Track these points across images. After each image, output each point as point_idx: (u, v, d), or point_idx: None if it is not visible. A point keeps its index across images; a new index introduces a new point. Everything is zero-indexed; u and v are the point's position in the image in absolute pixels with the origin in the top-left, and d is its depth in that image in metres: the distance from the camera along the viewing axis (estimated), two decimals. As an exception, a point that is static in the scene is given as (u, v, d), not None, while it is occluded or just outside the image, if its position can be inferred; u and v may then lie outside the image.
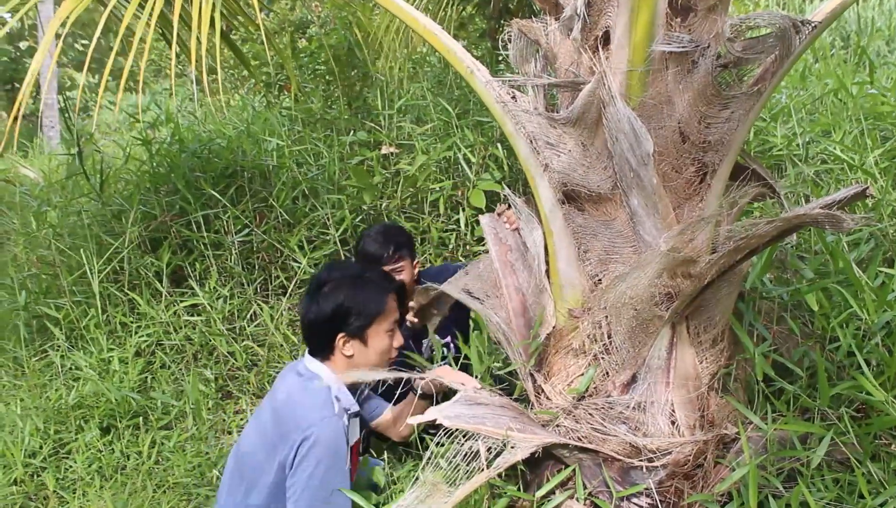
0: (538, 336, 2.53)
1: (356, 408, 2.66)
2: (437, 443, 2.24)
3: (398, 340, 2.74)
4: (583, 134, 2.52)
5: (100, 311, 4.45)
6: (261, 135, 5.25)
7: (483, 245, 4.54)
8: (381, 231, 3.58)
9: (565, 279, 2.54)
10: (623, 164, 2.44)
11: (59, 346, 4.42)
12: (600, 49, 2.51)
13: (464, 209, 4.55)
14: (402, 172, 4.67)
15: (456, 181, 4.63)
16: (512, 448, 2.25)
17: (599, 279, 2.52)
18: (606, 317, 2.41)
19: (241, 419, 4.08)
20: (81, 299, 4.65)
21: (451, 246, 4.58)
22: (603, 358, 2.45)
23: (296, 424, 2.45)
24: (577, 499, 2.33)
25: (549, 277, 2.59)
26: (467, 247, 4.58)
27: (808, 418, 2.64)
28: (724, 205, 2.49)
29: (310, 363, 2.66)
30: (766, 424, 2.41)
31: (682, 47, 2.41)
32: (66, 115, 5.42)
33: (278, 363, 4.37)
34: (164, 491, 3.44)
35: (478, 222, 4.53)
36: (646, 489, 2.32)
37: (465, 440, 2.24)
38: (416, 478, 2.24)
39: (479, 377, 2.82)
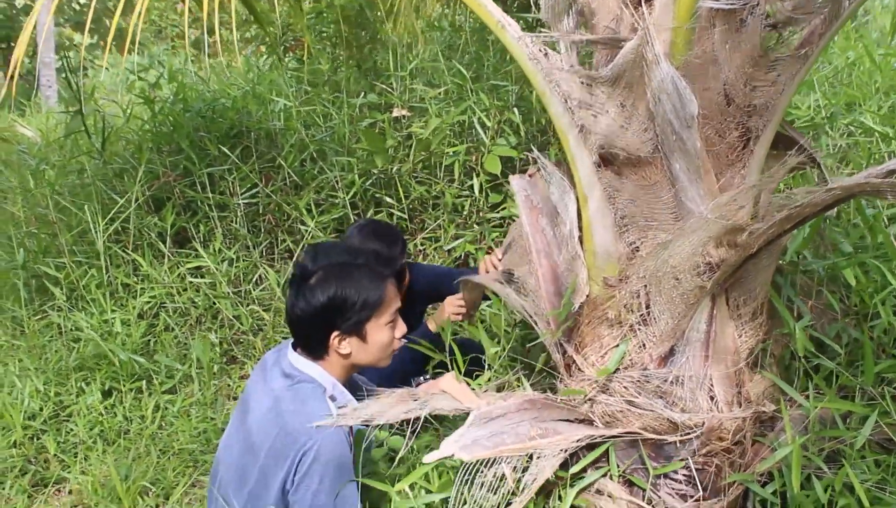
0: (571, 305, 2.41)
1: (355, 403, 2.34)
2: (459, 482, 2.07)
3: (400, 329, 2.40)
4: (622, 94, 2.40)
5: (104, 271, 4.32)
6: (267, 95, 5.10)
7: (497, 212, 4.42)
8: (385, 231, 3.20)
9: (600, 246, 2.42)
10: (665, 126, 2.32)
11: (59, 306, 4.29)
12: (643, 5, 2.38)
13: (478, 175, 4.42)
14: (414, 135, 4.53)
15: (470, 146, 4.50)
16: (538, 458, 2.14)
17: (637, 247, 2.40)
18: (645, 286, 2.29)
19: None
20: (82, 258, 4.52)
21: (465, 212, 4.45)
22: (639, 329, 2.34)
23: (292, 439, 2.16)
24: (612, 477, 2.23)
25: (582, 243, 2.47)
26: (480, 214, 4.46)
27: (844, 396, 2.55)
28: (770, 172, 2.37)
29: (297, 360, 2.32)
30: (808, 402, 2.31)
31: (731, 4, 2.28)
32: (65, 74, 5.25)
33: (284, 328, 4.25)
34: (169, 457, 3.33)
35: (492, 189, 4.42)
36: (684, 466, 2.22)
37: (488, 468, 2.10)
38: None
39: (486, 363, 2.70)
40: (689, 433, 2.22)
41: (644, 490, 2.23)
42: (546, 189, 2.86)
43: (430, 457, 2.05)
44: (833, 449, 2.36)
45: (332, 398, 2.28)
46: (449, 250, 4.35)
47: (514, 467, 2.11)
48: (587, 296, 2.42)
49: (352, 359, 2.31)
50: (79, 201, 4.77)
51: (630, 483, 2.26)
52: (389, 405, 2.19)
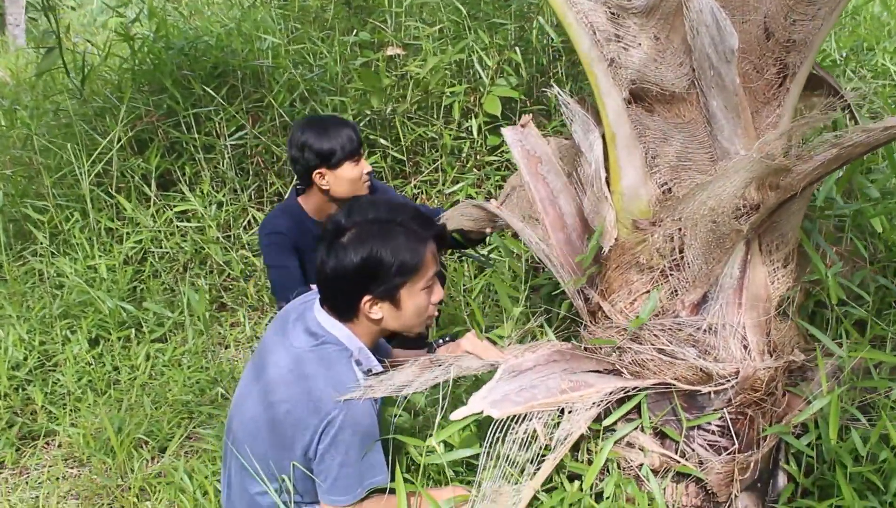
0: (598, 248, 2.29)
1: (379, 368, 2.18)
2: (489, 441, 1.95)
3: (437, 294, 2.18)
4: (657, 26, 2.25)
5: (92, 214, 4.13)
6: (254, 33, 4.88)
7: (496, 155, 4.28)
8: (342, 123, 3.08)
9: (629, 188, 2.29)
10: (703, 60, 2.18)
11: (40, 251, 4.11)
12: (679, -70, 2.23)
13: (476, 116, 4.27)
14: (409, 75, 4.36)
15: (468, 87, 4.34)
16: (570, 412, 2.02)
17: (669, 189, 2.28)
18: (680, 230, 2.17)
19: (239, 333, 3.84)
20: (63, 201, 4.33)
21: (463, 155, 4.31)
22: (672, 275, 2.22)
23: (315, 406, 2.00)
24: (643, 430, 2.12)
25: (609, 185, 2.34)
26: (479, 157, 4.31)
27: (873, 346, 2.46)
28: (814, 112, 2.25)
29: (323, 318, 2.14)
30: (843, 352, 2.22)
31: (774, -71, 2.15)
32: (38, 8, 4.99)
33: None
34: (163, 409, 3.19)
35: (491, 131, 4.27)
36: (718, 418, 2.13)
37: (519, 424, 1.97)
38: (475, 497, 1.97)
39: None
40: (723, 384, 2.12)
41: (677, 443, 2.13)
42: (539, 138, 2.75)
43: (459, 413, 1.92)
44: (862, 400, 2.28)
45: (358, 363, 2.12)
46: (449, 194, 4.20)
47: (546, 422, 1.99)
48: (615, 240, 2.29)
49: (382, 325, 2.13)
50: (57, 142, 4.56)
51: (662, 436, 2.16)
52: (415, 374, 2.05)
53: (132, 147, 4.49)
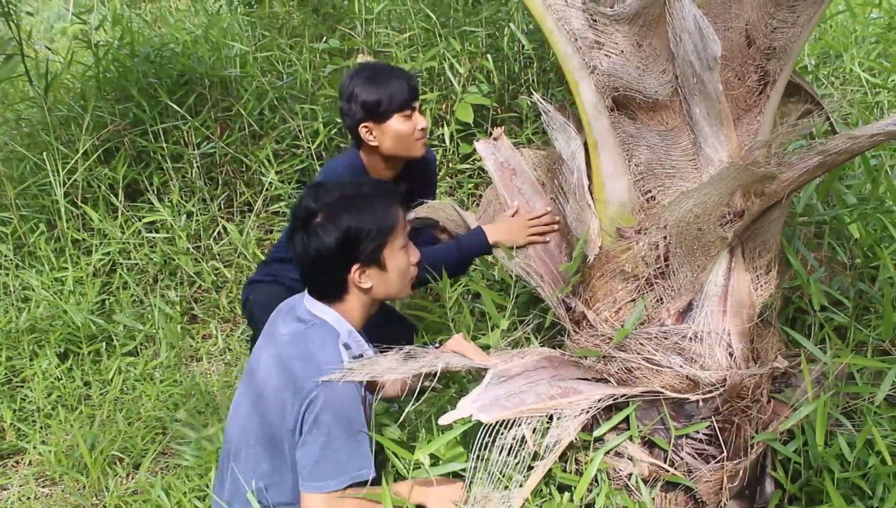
0: (583, 257, 2.28)
1: (370, 353, 2.20)
2: (477, 446, 1.94)
3: (414, 254, 2.28)
4: (639, 33, 2.25)
5: (64, 223, 4.04)
6: (221, 40, 4.82)
7: (469, 163, 4.26)
8: (395, 71, 2.89)
9: (612, 195, 2.29)
10: (686, 68, 2.18)
11: (4, 264, 4.02)
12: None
13: (448, 124, 4.25)
14: (380, 82, 4.32)
15: (439, 94, 4.31)
16: (558, 419, 2.00)
17: (653, 196, 2.28)
18: (665, 238, 2.17)
19: (212, 346, 3.78)
20: (28, 212, 4.24)
21: (437, 163, 4.27)
22: (657, 283, 2.21)
23: (298, 386, 2.02)
24: (632, 439, 2.11)
25: (592, 194, 2.33)
26: (451, 165, 4.29)
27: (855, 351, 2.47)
28: (800, 120, 2.26)
29: (312, 305, 2.18)
30: (827, 358, 2.22)
31: (754, -63, 2.15)
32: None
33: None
34: (135, 425, 3.12)
35: (463, 139, 4.26)
36: (707, 426, 2.12)
37: (507, 430, 1.96)
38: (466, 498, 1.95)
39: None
40: (710, 392, 2.11)
41: (665, 452, 2.12)
42: (511, 150, 2.75)
43: (447, 418, 1.90)
44: (846, 406, 2.29)
45: (347, 347, 2.13)
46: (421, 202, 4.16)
47: (535, 429, 1.97)
48: (599, 248, 2.28)
49: (372, 293, 2.18)
50: (19, 153, 4.46)
51: (650, 445, 2.15)
52: (400, 361, 2.03)
53: (98, 157, 4.41)
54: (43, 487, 2.97)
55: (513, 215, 2.73)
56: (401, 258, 2.20)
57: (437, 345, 2.40)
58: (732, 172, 2.01)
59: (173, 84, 4.55)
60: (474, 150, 4.23)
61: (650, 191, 2.27)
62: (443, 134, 4.23)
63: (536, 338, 2.46)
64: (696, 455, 2.14)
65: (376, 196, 2.17)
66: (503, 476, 1.92)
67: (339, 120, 4.31)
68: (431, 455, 1.96)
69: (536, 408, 1.97)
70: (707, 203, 2.07)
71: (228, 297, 3.98)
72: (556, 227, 2.65)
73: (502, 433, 1.94)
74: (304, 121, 4.32)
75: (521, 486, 1.93)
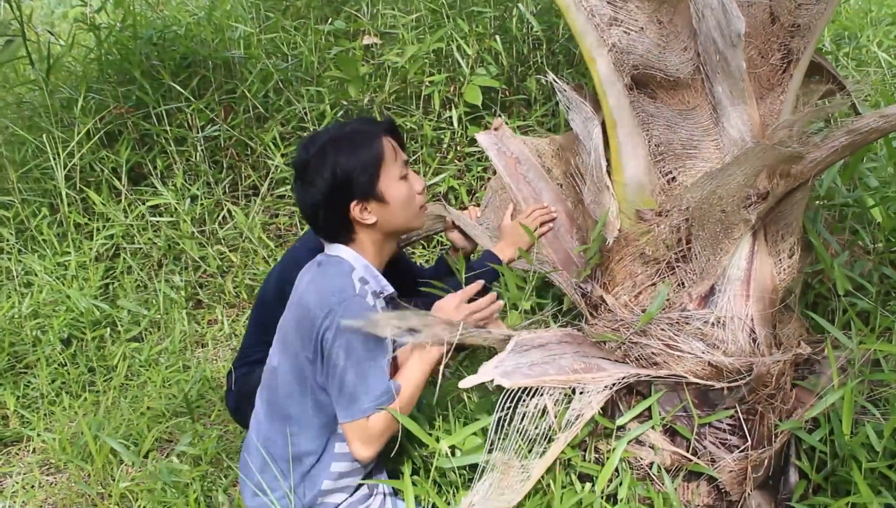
0: (603, 240, 2.22)
1: (390, 289, 2.21)
2: (498, 409, 1.90)
3: (418, 182, 2.28)
4: (659, 10, 2.19)
5: (65, 207, 3.98)
6: (225, 22, 4.74)
7: (477, 147, 4.18)
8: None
9: (632, 177, 2.22)
10: (708, 45, 2.12)
11: (6, 248, 3.96)
12: None
13: (456, 107, 4.17)
14: (388, 64, 4.25)
15: (447, 76, 4.24)
16: (581, 393, 1.95)
17: (674, 177, 2.21)
18: (687, 220, 2.10)
19: (217, 331, 3.73)
20: (30, 196, 4.17)
21: (444, 145, 4.21)
22: (678, 267, 2.15)
23: (313, 315, 2.05)
24: (654, 427, 2.05)
25: (610, 175, 2.27)
26: (459, 147, 4.22)
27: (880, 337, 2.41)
28: (834, 99, 2.20)
29: (329, 248, 2.24)
30: (853, 344, 2.16)
31: None
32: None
33: (253, 270, 4.00)
34: (142, 413, 3.06)
35: (472, 121, 4.19)
36: (731, 415, 2.06)
37: (529, 398, 1.92)
38: (484, 465, 1.91)
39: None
40: (736, 379, 2.05)
41: (688, 441, 2.06)
42: (514, 139, 2.69)
43: (468, 381, 1.86)
44: (872, 393, 2.23)
45: (364, 281, 2.15)
46: (430, 186, 4.10)
47: (556, 401, 1.92)
48: (618, 231, 2.22)
49: (381, 227, 2.21)
50: (21, 136, 4.39)
51: (672, 433, 2.09)
52: (432, 324, 1.98)
53: (101, 140, 4.33)
54: (47, 475, 2.92)
55: (511, 217, 2.68)
56: (400, 188, 2.21)
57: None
58: (758, 152, 1.95)
59: (176, 67, 4.47)
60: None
61: (670, 172, 2.21)
62: (451, 117, 4.16)
63: (555, 323, 2.40)
64: (719, 444, 2.08)
65: (359, 131, 2.21)
66: (523, 445, 1.88)
67: (345, 102, 4.24)
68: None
69: (559, 379, 1.93)
70: (731, 184, 2.00)
71: (234, 282, 3.92)
72: (553, 215, 2.62)
73: (524, 401, 1.89)
74: (311, 103, 4.24)
75: (540, 457, 1.89)
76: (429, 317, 2.01)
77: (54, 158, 4.01)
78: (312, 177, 2.15)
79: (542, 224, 2.60)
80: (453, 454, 1.96)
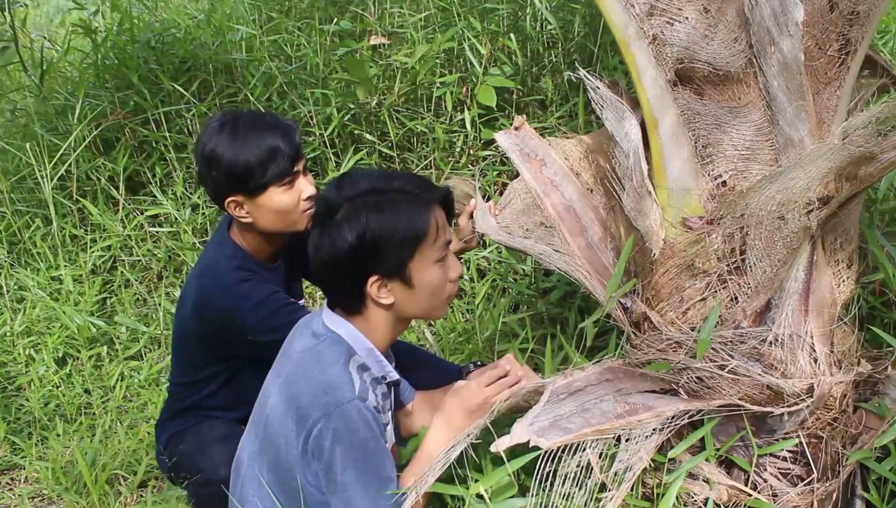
0: (650, 252, 2.01)
1: (395, 376, 1.92)
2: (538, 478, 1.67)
3: (455, 268, 1.90)
4: (707, -3, 1.99)
5: (56, 220, 3.78)
6: (225, 24, 4.55)
7: (491, 150, 4.00)
8: (267, 124, 2.25)
9: (676, 181, 2.02)
10: (762, 35, 1.92)
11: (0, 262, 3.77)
12: None
13: (469, 109, 3.98)
14: (397, 65, 4.06)
15: (459, 76, 4.04)
16: (627, 440, 1.74)
17: (724, 181, 2.01)
18: (742, 228, 1.90)
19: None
20: (23, 207, 3.98)
21: (456, 149, 4.01)
22: (731, 280, 1.95)
23: (303, 412, 1.76)
24: (708, 459, 1.85)
25: (651, 179, 2.06)
26: (472, 151, 4.02)
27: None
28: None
29: (329, 318, 1.88)
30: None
31: None
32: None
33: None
34: (140, 439, 2.86)
35: (485, 124, 3.99)
36: (796, 443, 1.86)
37: (571, 456, 1.70)
38: None
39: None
40: (797, 403, 1.85)
41: (746, 473, 1.86)
42: (538, 138, 2.48)
43: (500, 444, 1.64)
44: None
45: (364, 368, 1.83)
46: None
47: (601, 453, 1.71)
48: (663, 241, 2.02)
49: (396, 310, 1.85)
50: (15, 144, 4.21)
51: (728, 465, 1.89)
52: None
53: (97, 147, 4.15)
54: (39, 507, 2.72)
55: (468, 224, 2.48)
56: (433, 274, 1.84)
57: (480, 363, 2.12)
58: (825, 152, 1.75)
59: (175, 71, 4.29)
60: (497, 135, 4.00)
61: (719, 175, 2.01)
62: (463, 119, 3.96)
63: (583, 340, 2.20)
64: (779, 476, 1.88)
65: (407, 193, 1.82)
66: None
67: (352, 105, 4.05)
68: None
69: (602, 429, 1.71)
70: (793, 188, 1.80)
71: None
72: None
73: (565, 460, 1.67)
74: (316, 107, 4.05)
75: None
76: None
77: (40, 169, 3.80)
78: (333, 229, 1.77)
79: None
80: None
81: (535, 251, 2.33)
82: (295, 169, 2.22)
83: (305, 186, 2.25)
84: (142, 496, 2.62)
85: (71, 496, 2.58)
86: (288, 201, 2.22)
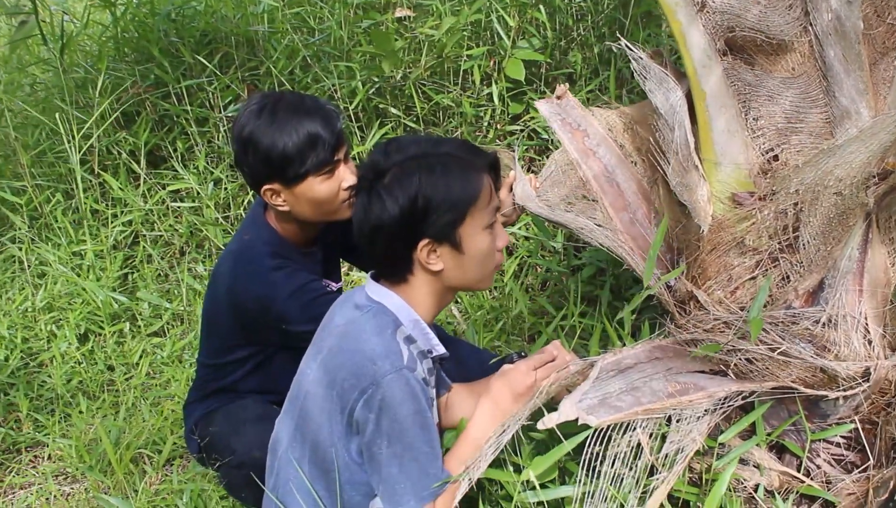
0: (696, 229, 1.93)
1: (441, 350, 1.84)
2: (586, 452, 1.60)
3: (503, 237, 1.82)
4: (759, -40, 1.90)
5: (81, 193, 3.72)
6: (246, -5, 4.47)
7: (519, 124, 3.91)
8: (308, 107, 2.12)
9: (724, 155, 1.94)
10: (819, 2, 1.83)
11: (19, 237, 3.71)
12: None
13: (496, 82, 3.89)
14: (423, 38, 3.97)
15: (488, 49, 3.95)
16: (678, 421, 1.67)
17: (775, 155, 1.93)
18: (796, 204, 1.82)
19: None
20: (43, 182, 3.93)
21: (483, 123, 3.93)
22: (783, 258, 1.87)
23: (352, 382, 1.69)
24: (759, 444, 1.78)
25: (698, 153, 1.98)
26: (499, 126, 3.94)
27: None
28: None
29: (373, 290, 1.81)
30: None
31: None
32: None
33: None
34: (165, 417, 2.80)
35: (513, 98, 3.91)
36: (851, 428, 1.79)
37: (621, 435, 1.62)
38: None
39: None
40: (851, 387, 1.78)
41: (798, 459, 1.79)
42: (580, 108, 2.39)
43: (547, 421, 1.57)
44: None
45: (410, 340, 1.76)
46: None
47: (651, 434, 1.64)
48: (711, 217, 1.94)
49: (444, 278, 1.78)
50: (35, 118, 4.15)
51: (779, 450, 1.82)
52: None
53: (118, 121, 4.08)
54: (63, 485, 2.67)
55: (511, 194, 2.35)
56: (483, 240, 1.77)
57: (521, 354, 2.04)
58: (888, 124, 1.66)
59: (197, 44, 4.21)
60: (525, 110, 3.92)
61: (772, 149, 1.93)
62: (491, 93, 3.88)
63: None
64: (832, 463, 1.81)
65: (458, 158, 1.75)
66: (617, 495, 1.59)
67: (377, 79, 3.97)
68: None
69: (653, 408, 1.64)
70: (853, 163, 1.72)
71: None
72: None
73: (615, 440, 1.60)
74: (340, 80, 3.96)
75: (639, 505, 1.61)
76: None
77: (69, 141, 3.74)
78: (384, 191, 1.70)
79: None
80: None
81: (576, 225, 2.25)
82: (336, 158, 2.11)
83: (346, 176, 2.13)
84: (167, 475, 2.56)
85: (95, 474, 2.53)
86: (327, 191, 2.12)
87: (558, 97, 2.51)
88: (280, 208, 2.16)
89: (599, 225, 2.22)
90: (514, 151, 2.57)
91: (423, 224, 1.71)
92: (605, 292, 2.92)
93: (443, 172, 1.71)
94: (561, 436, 1.60)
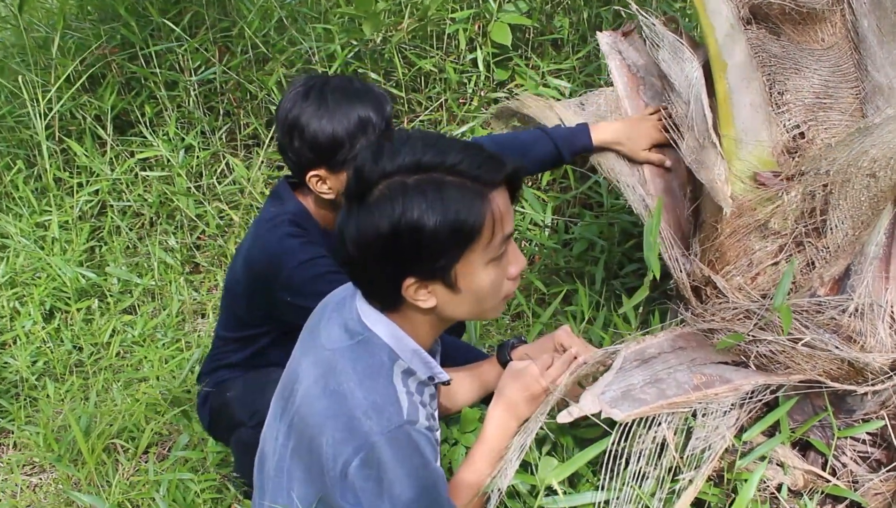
0: (714, 209, 1.81)
1: (444, 377, 1.59)
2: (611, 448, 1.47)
3: (517, 263, 1.53)
4: (788, -80, 1.76)
5: (46, 159, 3.51)
6: (217, -49, 4.25)
7: (505, 91, 3.76)
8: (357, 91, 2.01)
9: (746, 132, 1.81)
10: (853, -35, 1.70)
11: (-21, 208, 3.53)
12: None
13: (481, 47, 3.73)
14: (404, 1, 3.80)
15: (473, 12, 3.79)
16: (703, 416, 1.55)
17: (802, 133, 1.81)
18: (825, 186, 1.70)
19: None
20: (3, 148, 3.72)
21: (468, 91, 3.77)
22: (807, 243, 1.76)
23: (343, 436, 1.45)
24: (784, 442, 1.67)
25: (717, 128, 1.85)
26: (484, 93, 3.78)
27: None
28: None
29: (365, 311, 1.54)
30: None
31: None
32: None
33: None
34: (137, 400, 2.65)
35: (498, 64, 3.76)
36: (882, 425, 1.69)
37: (646, 429, 1.49)
38: None
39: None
40: (881, 381, 1.67)
41: (823, 457, 1.69)
42: (646, 54, 2.21)
43: (568, 415, 1.45)
44: None
45: (409, 373, 1.54)
46: (455, 135, 3.68)
47: (676, 429, 1.53)
48: (730, 197, 1.82)
49: (439, 313, 1.52)
50: (-10, 81, 3.93)
51: (803, 448, 1.72)
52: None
53: (82, 84, 3.87)
54: (30, 475, 2.52)
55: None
56: (485, 277, 1.47)
57: (522, 339, 1.89)
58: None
59: (165, 3, 3.99)
60: (510, 77, 3.77)
61: (798, 126, 1.80)
62: (476, 58, 3.72)
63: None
64: (859, 461, 1.71)
65: (462, 176, 1.41)
66: (643, 496, 1.48)
67: (356, 42, 3.79)
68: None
69: (678, 402, 1.52)
70: (890, 143, 1.60)
71: (235, 242, 3.50)
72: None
73: (640, 435, 1.49)
74: (318, 43, 3.78)
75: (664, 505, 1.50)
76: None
77: (32, 105, 3.53)
78: (364, 214, 1.41)
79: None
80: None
81: (624, 180, 2.11)
82: None
83: None
84: (143, 465, 2.41)
85: (64, 466, 2.37)
86: None
87: (624, 34, 2.30)
88: (325, 196, 2.03)
89: (637, 184, 2.08)
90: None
91: (410, 260, 1.43)
92: (599, 269, 2.81)
93: (437, 196, 1.38)
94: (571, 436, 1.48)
